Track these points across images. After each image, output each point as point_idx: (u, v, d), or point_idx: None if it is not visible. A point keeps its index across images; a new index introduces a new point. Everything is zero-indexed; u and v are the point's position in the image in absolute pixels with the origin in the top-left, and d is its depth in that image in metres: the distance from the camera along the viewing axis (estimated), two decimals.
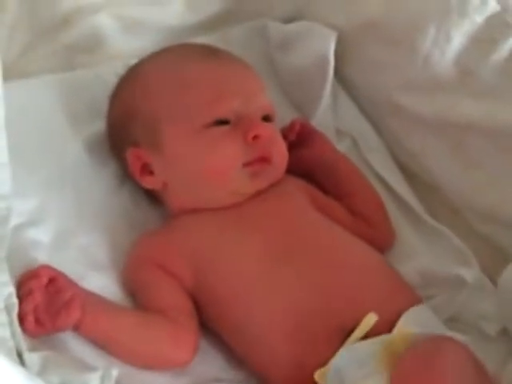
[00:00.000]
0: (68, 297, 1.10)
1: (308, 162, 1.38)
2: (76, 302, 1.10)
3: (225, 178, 1.24)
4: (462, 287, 1.27)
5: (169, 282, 1.21)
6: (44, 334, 1.11)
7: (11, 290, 1.07)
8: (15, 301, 1.07)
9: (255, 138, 1.22)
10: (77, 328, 1.12)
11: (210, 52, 1.34)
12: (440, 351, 1.03)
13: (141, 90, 1.30)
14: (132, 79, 1.33)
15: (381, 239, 1.32)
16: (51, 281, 1.11)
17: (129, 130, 1.29)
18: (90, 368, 1.08)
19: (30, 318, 1.07)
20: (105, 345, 1.15)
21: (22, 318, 1.07)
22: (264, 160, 1.24)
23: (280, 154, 1.27)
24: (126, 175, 1.32)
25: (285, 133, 1.36)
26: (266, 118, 1.27)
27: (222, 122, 1.23)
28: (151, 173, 1.27)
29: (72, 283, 1.14)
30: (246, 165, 1.23)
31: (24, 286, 1.10)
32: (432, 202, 1.42)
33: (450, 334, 1.14)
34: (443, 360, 1.02)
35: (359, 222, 1.33)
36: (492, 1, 1.21)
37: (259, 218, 1.25)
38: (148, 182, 1.28)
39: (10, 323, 1.06)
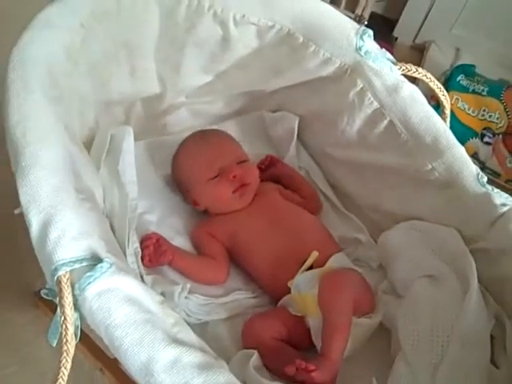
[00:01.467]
0: (165, 248, 1.14)
1: (276, 174, 1.36)
2: (169, 251, 1.15)
3: (225, 202, 1.24)
4: (359, 244, 1.29)
5: (214, 242, 1.23)
6: (153, 267, 1.14)
7: (137, 244, 1.11)
8: (139, 250, 1.11)
9: (234, 176, 1.22)
10: (169, 264, 1.16)
11: (205, 137, 1.31)
12: (346, 268, 1.12)
13: (178, 166, 1.31)
14: (174, 160, 1.32)
15: (314, 209, 1.32)
16: (157, 240, 1.15)
17: (181, 185, 1.30)
18: (176, 283, 1.12)
19: (147, 259, 1.11)
20: (183, 272, 1.17)
21: (143, 259, 1.11)
22: (244, 185, 1.24)
23: (253, 177, 1.27)
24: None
25: (261, 161, 1.38)
26: (241, 162, 1.27)
27: (216, 176, 1.23)
28: (198, 204, 1.27)
29: (167, 242, 1.18)
30: (234, 191, 1.23)
31: (144, 242, 1.14)
32: (346, 202, 1.40)
33: (354, 267, 1.18)
34: (350, 273, 1.09)
35: (303, 202, 1.32)
36: (375, 101, 1.19)
37: (256, 208, 1.25)
38: (197, 208, 1.28)
39: (137, 261, 1.09)
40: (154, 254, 1.13)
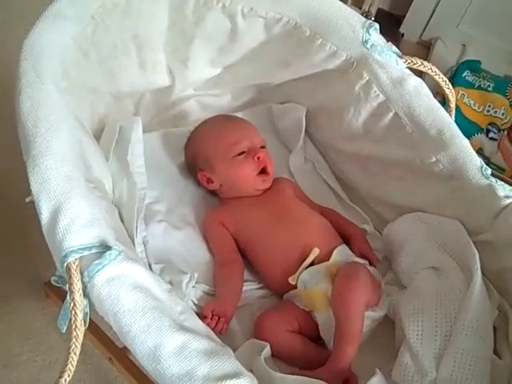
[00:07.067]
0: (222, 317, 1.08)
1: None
2: (227, 312, 1.09)
3: (248, 182, 1.24)
4: (365, 235, 1.29)
5: (222, 229, 1.22)
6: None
7: (146, 233, 1.11)
8: (148, 238, 1.10)
9: (259, 158, 1.22)
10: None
11: (230, 118, 1.34)
12: (357, 266, 1.08)
13: (198, 141, 1.30)
14: (193, 136, 1.33)
15: None
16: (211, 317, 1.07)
17: (196, 163, 1.29)
18: (184, 272, 1.10)
19: (219, 328, 1.05)
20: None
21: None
22: (265, 170, 1.24)
23: (271, 164, 1.26)
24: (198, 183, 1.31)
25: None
26: (262, 147, 1.27)
27: (241, 153, 1.23)
28: (212, 182, 1.26)
29: (216, 305, 1.09)
30: (258, 174, 1.23)
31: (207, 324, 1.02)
32: (352, 194, 1.40)
33: (357, 259, 1.16)
34: (362, 273, 1.05)
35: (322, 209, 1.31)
36: (380, 94, 1.19)
37: (266, 200, 1.24)
38: (210, 187, 1.28)
39: (145, 250, 1.10)
40: (220, 324, 1.05)
